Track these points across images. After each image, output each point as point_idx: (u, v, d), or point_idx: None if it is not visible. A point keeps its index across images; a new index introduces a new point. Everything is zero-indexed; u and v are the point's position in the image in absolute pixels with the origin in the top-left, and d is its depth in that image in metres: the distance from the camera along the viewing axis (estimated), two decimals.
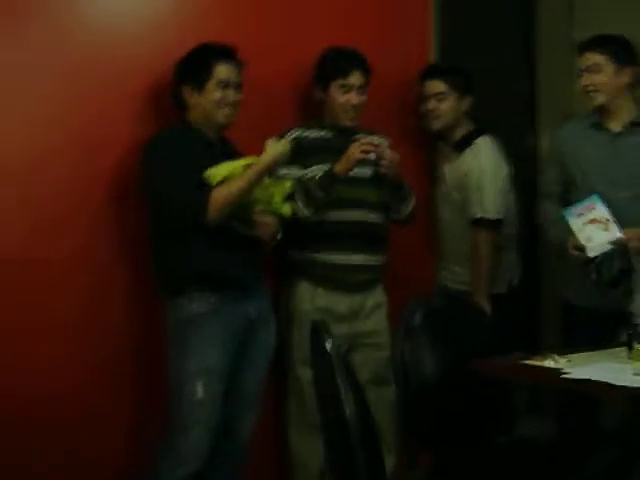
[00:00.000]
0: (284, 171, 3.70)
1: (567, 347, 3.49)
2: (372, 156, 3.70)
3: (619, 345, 3.26)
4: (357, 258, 3.81)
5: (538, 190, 4.16)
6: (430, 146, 4.50)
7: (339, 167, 3.68)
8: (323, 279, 3.80)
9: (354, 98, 3.82)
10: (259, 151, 3.40)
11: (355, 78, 3.82)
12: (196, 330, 3.35)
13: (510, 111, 5.27)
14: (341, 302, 3.82)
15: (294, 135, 3.82)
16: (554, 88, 5.23)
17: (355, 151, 3.67)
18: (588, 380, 2.84)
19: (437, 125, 4.30)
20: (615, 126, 3.85)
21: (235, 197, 3.31)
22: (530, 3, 5.40)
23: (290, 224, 3.61)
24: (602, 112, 3.86)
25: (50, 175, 3.42)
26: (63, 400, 3.43)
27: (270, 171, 3.45)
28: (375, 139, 3.80)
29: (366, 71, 3.86)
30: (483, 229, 4.17)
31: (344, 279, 3.81)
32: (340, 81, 3.82)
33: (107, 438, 3.56)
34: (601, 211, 3.57)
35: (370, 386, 3.76)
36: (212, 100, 3.42)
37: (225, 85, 3.44)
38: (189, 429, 3.34)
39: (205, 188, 3.27)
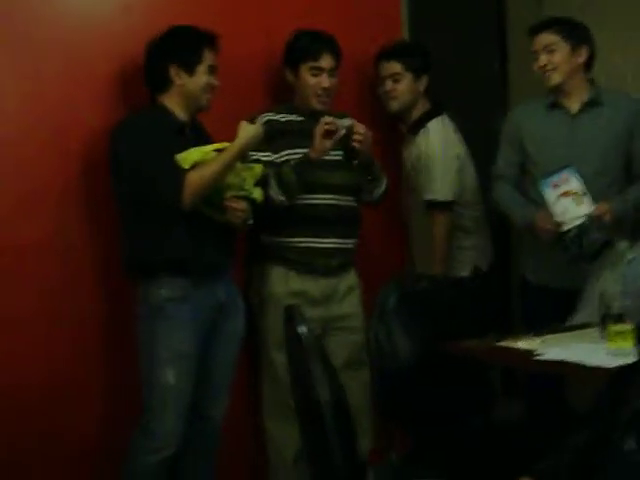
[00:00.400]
0: (255, 155, 3.67)
1: (526, 325, 3.50)
2: (342, 132, 3.66)
3: (588, 326, 3.28)
4: (329, 242, 3.80)
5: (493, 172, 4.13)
6: (395, 129, 4.46)
7: (313, 152, 3.66)
8: (296, 263, 3.79)
9: (325, 81, 3.79)
10: (230, 135, 3.38)
11: (325, 61, 3.80)
12: (166, 316, 3.33)
13: (481, 91, 5.27)
14: (314, 286, 3.80)
15: (265, 119, 3.79)
16: (525, 68, 5.22)
17: (320, 129, 3.63)
18: (562, 361, 2.85)
19: (394, 106, 4.25)
20: (572, 106, 3.86)
21: (209, 181, 3.29)
22: None
23: (262, 208, 3.58)
24: (558, 92, 3.87)
25: (16, 158, 3.39)
26: (35, 388, 3.42)
27: (244, 154, 3.43)
28: (346, 120, 3.77)
29: (336, 54, 3.83)
30: (435, 211, 4.17)
31: (317, 263, 3.80)
32: (310, 64, 3.80)
33: (81, 425, 3.55)
34: (576, 184, 3.59)
35: (345, 369, 3.76)
36: (201, 84, 3.42)
37: (212, 71, 3.44)
38: (161, 414, 3.34)
39: (179, 173, 3.25)
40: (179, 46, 3.42)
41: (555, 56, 3.79)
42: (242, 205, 3.43)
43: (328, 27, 3.88)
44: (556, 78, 3.81)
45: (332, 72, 3.82)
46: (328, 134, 3.64)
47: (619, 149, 3.84)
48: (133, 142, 3.33)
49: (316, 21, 3.93)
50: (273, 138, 3.74)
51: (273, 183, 3.67)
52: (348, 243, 3.87)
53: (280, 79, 3.96)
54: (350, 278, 3.92)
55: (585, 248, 3.56)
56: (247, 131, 3.38)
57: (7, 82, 3.39)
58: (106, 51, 3.57)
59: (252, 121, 3.57)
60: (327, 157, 3.72)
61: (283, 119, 3.83)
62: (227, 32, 3.58)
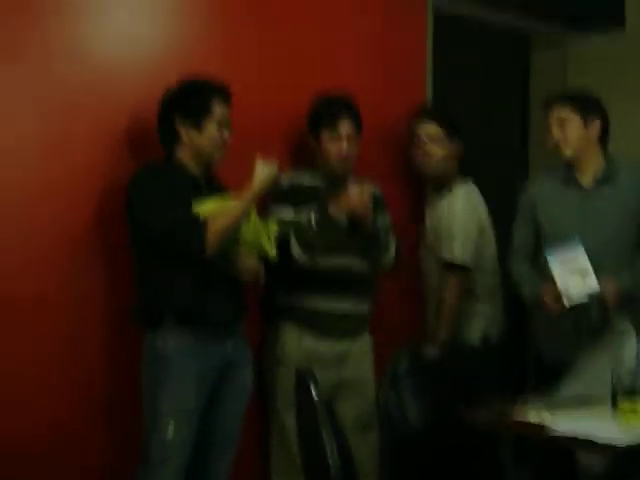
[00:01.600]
0: (276, 210, 3.70)
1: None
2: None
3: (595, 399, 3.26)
4: (343, 306, 3.80)
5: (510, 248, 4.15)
6: (421, 190, 4.50)
7: (335, 210, 3.66)
8: (309, 324, 3.78)
9: (344, 150, 3.81)
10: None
11: (344, 127, 3.81)
12: (171, 368, 3.27)
13: (502, 159, 5.31)
14: (327, 348, 3.79)
15: (288, 177, 3.83)
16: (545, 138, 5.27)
17: (354, 202, 3.64)
18: (573, 437, 2.85)
19: (429, 168, 4.26)
20: (585, 181, 3.85)
21: (230, 227, 3.26)
22: (525, 55, 5.45)
23: (277, 267, 3.56)
24: (572, 166, 3.87)
25: (31, 210, 3.39)
26: (39, 437, 3.39)
27: (260, 194, 3.37)
28: (368, 189, 3.79)
29: (355, 119, 3.84)
30: (450, 273, 4.15)
31: (331, 326, 3.79)
32: (329, 130, 3.82)
33: (83, 472, 3.51)
34: (582, 260, 3.60)
35: (354, 433, 3.73)
36: (211, 139, 3.37)
37: (223, 124, 3.40)
38: (158, 468, 3.27)
39: (200, 221, 3.22)
40: (186, 101, 3.37)
41: (567, 129, 3.79)
42: (254, 262, 3.41)
43: (354, 90, 3.93)
44: (568, 152, 3.81)
45: (351, 139, 3.83)
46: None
47: (632, 223, 3.82)
48: (151, 189, 3.29)
49: (341, 84, 3.98)
50: (294, 196, 3.77)
51: (294, 241, 3.68)
52: (362, 308, 3.87)
53: (301, 142, 4.00)
54: (363, 342, 3.90)
55: (582, 326, 3.58)
56: (263, 171, 3.33)
57: (20, 145, 3.39)
58: (121, 111, 3.58)
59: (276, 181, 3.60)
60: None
61: (305, 181, 3.84)
62: (252, 92, 3.61)
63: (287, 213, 3.75)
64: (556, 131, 3.82)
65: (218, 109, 3.37)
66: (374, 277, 3.95)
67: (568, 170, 3.89)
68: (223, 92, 3.41)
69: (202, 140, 3.37)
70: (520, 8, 4.84)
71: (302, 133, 4.00)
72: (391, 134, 4.35)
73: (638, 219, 3.83)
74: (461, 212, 4.19)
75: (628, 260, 3.80)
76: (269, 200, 3.76)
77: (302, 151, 4.03)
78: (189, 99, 3.37)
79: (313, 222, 3.68)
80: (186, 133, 3.36)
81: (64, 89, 3.46)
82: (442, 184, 4.27)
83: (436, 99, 4.65)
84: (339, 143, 3.81)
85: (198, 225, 3.20)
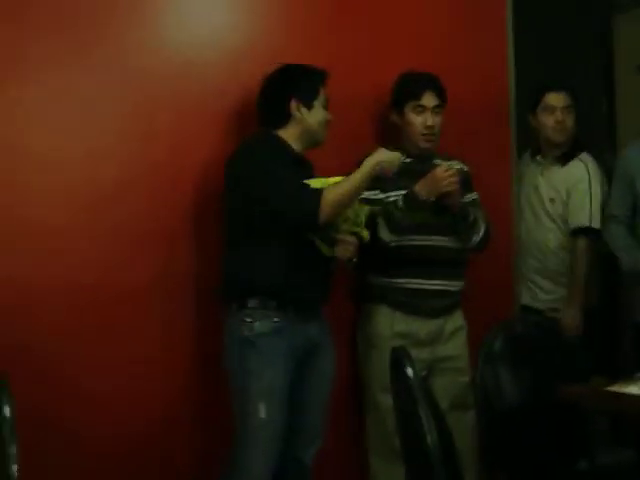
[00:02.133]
0: (365, 193, 3.69)
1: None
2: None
3: None
4: (436, 283, 3.79)
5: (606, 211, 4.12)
6: (510, 164, 4.48)
7: (423, 191, 3.65)
8: (402, 304, 3.78)
9: (429, 119, 3.80)
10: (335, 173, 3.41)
11: (428, 99, 3.81)
12: (258, 350, 3.30)
13: (589, 130, 5.22)
14: (420, 327, 3.79)
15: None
16: (633, 106, 5.18)
17: (442, 182, 3.63)
18: None
19: (562, 137, 4.39)
20: None
21: (345, 199, 3.33)
22: (606, 24, 5.36)
23: (368, 248, 3.59)
24: None
25: (131, 200, 3.48)
26: (137, 430, 3.49)
27: (372, 176, 3.40)
28: (455, 166, 3.80)
29: (440, 92, 3.84)
30: (586, 238, 4.25)
31: (423, 304, 3.79)
32: (413, 102, 3.81)
33: (175, 457, 3.59)
34: None
35: (451, 411, 3.73)
36: (320, 118, 3.49)
37: (326, 105, 3.52)
38: (252, 449, 3.29)
39: (314, 190, 3.29)
40: (299, 81, 3.49)
41: None
42: (352, 240, 3.44)
43: (435, 69, 3.90)
44: None
45: (436, 110, 3.82)
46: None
47: None
48: (265, 160, 3.35)
49: (424, 63, 3.95)
50: (381, 178, 3.75)
51: (382, 223, 3.68)
52: (454, 285, 3.86)
53: (386, 121, 3.99)
54: (456, 319, 3.90)
55: None
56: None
57: (118, 132, 3.48)
58: (217, 93, 3.65)
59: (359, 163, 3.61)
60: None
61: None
62: (335, 73, 3.61)
63: (374, 193, 3.75)
64: None
65: (323, 91, 3.50)
66: (465, 255, 3.93)
67: None
68: (325, 75, 3.52)
69: (313, 119, 3.47)
70: None
71: (386, 114, 3.99)
72: (474, 111, 4.28)
73: None
74: (597, 178, 4.31)
75: None
76: None
77: (388, 132, 4.01)
78: (302, 80, 3.49)
79: (401, 203, 3.67)
80: (299, 112, 3.45)
81: (144, 82, 3.52)
82: (566, 153, 4.37)
83: (518, 73, 4.60)
84: (424, 115, 3.80)
85: (313, 193, 3.26)
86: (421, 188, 3.65)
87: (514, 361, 3.31)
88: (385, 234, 3.69)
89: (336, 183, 3.33)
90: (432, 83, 3.83)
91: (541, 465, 3.27)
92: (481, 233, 3.89)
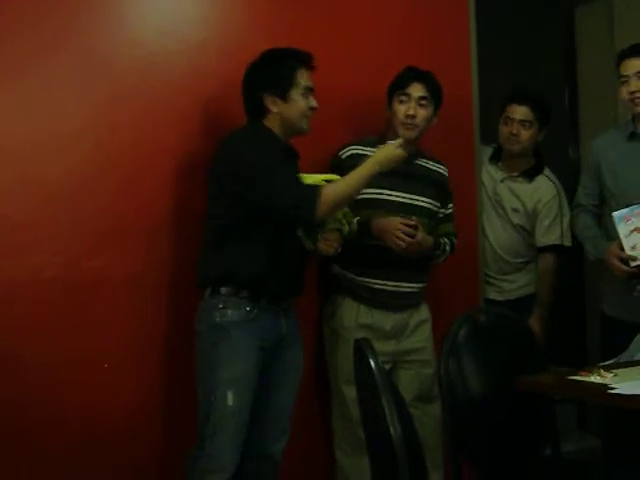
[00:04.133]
0: None
1: (605, 359, 3.46)
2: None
3: None
4: (400, 285, 3.80)
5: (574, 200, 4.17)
6: (475, 167, 4.56)
7: (374, 230, 3.68)
8: (366, 298, 3.79)
9: (411, 108, 3.78)
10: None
11: (413, 89, 3.80)
12: (229, 337, 3.28)
13: (553, 123, 5.26)
14: (385, 320, 3.80)
15: (350, 151, 3.82)
16: (595, 98, 5.22)
17: (393, 235, 3.64)
18: (636, 396, 2.81)
19: (515, 149, 4.48)
20: None
21: (344, 200, 3.30)
22: (570, 16, 5.39)
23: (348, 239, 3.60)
24: (638, 121, 3.83)
25: (101, 194, 3.46)
26: (103, 420, 3.47)
27: (372, 175, 3.34)
28: (438, 170, 3.92)
29: (428, 85, 3.82)
30: (555, 255, 4.47)
31: (386, 300, 3.80)
32: (399, 92, 3.82)
33: (144, 450, 3.57)
34: None
35: (416, 403, 3.77)
36: (298, 109, 3.39)
37: (309, 93, 3.42)
38: (218, 436, 3.26)
39: (313, 187, 3.24)
40: (270, 74, 3.39)
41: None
42: (337, 237, 3.46)
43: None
44: None
45: (422, 102, 3.81)
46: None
47: None
48: (258, 150, 3.29)
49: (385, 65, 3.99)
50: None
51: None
52: (418, 286, 3.87)
53: (364, 115, 4.05)
54: (421, 312, 3.92)
55: None
56: (387, 151, 3.36)
57: (89, 120, 3.45)
58: (199, 79, 3.66)
59: (337, 155, 3.68)
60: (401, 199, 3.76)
61: (369, 154, 3.70)
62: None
63: None
64: (634, 84, 3.76)
65: (302, 77, 3.39)
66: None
67: (633, 126, 3.84)
68: (306, 60, 3.42)
69: (290, 111, 3.39)
70: None
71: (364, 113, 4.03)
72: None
73: None
74: (563, 197, 4.47)
75: None
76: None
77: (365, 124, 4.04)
78: (273, 69, 3.40)
79: (355, 226, 3.64)
80: (273, 104, 3.38)
81: (108, 75, 3.50)
82: (531, 168, 4.51)
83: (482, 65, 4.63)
84: (407, 104, 3.80)
85: (312, 190, 3.22)
86: (375, 225, 3.68)
87: (478, 352, 3.32)
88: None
89: (335, 182, 3.29)
90: (422, 76, 3.83)
91: (507, 454, 3.29)
92: (447, 254, 3.94)
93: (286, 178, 3.25)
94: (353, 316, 3.79)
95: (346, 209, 3.50)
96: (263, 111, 3.41)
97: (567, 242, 4.42)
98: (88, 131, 3.44)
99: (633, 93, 3.78)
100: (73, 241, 3.41)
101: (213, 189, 3.38)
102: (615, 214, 3.64)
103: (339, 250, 3.48)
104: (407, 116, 3.79)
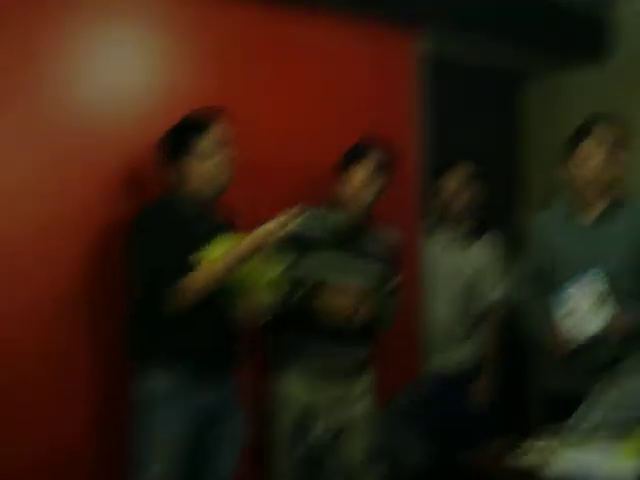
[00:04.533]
0: (282, 257, 3.69)
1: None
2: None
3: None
4: (343, 354, 3.80)
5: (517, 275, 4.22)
6: (418, 235, 4.64)
7: (321, 297, 3.69)
8: (309, 368, 3.77)
9: (367, 180, 3.83)
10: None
11: (370, 161, 3.84)
12: (154, 412, 3.26)
13: (500, 194, 5.34)
14: (329, 389, 3.78)
15: (299, 220, 3.83)
16: (542, 168, 5.31)
17: (340, 310, 3.67)
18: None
19: (457, 207, 4.64)
20: (588, 217, 3.86)
21: (212, 283, 3.23)
22: (515, 91, 5.50)
23: (281, 308, 3.61)
24: (580, 198, 3.88)
25: (31, 254, 3.42)
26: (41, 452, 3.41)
27: (258, 251, 3.29)
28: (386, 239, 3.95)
29: (383, 158, 3.87)
30: (499, 313, 4.60)
31: (330, 369, 3.78)
32: (356, 162, 3.85)
33: None
34: (591, 295, 3.60)
35: (359, 472, 3.75)
36: (206, 168, 3.38)
37: (218, 151, 3.40)
38: None
39: (180, 274, 3.18)
40: (173, 144, 3.41)
41: (596, 162, 3.80)
42: (257, 301, 3.39)
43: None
44: (598, 184, 3.80)
45: (376, 172, 3.85)
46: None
47: (635, 258, 3.80)
48: (144, 234, 3.28)
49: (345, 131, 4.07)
50: (305, 241, 3.77)
51: (286, 290, 3.69)
52: (363, 352, 3.87)
53: (319, 186, 4.04)
54: (365, 381, 3.90)
55: (595, 362, 3.56)
56: (267, 228, 3.27)
57: (28, 182, 3.43)
58: (125, 150, 3.64)
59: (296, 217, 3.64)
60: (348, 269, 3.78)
61: (319, 225, 3.82)
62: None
63: (289, 260, 3.73)
64: (597, 158, 3.79)
65: (212, 132, 3.40)
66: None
67: (570, 205, 3.90)
68: (216, 119, 3.43)
69: (202, 169, 3.39)
70: (510, 44, 4.91)
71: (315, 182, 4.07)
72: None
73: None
74: (503, 255, 4.68)
75: (635, 293, 3.78)
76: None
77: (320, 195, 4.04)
78: (175, 141, 3.41)
79: (300, 294, 3.68)
80: (184, 168, 3.39)
81: (56, 134, 3.49)
82: (476, 229, 4.67)
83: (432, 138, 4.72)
84: (363, 173, 3.83)
85: (174, 280, 3.18)
86: (321, 294, 3.69)
87: (420, 422, 3.33)
88: (285, 302, 3.69)
89: (211, 262, 3.23)
90: (376, 148, 3.88)
91: None
92: (391, 324, 3.95)
93: (160, 262, 3.22)
94: (296, 385, 3.77)
95: (277, 272, 3.44)
96: (176, 177, 3.41)
97: (509, 299, 4.49)
98: (31, 188, 3.43)
99: (590, 172, 3.81)
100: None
101: (127, 261, 3.39)
102: (558, 291, 3.67)
103: (266, 316, 3.46)
104: (361, 187, 3.83)
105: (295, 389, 3.78)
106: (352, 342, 3.81)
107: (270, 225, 3.25)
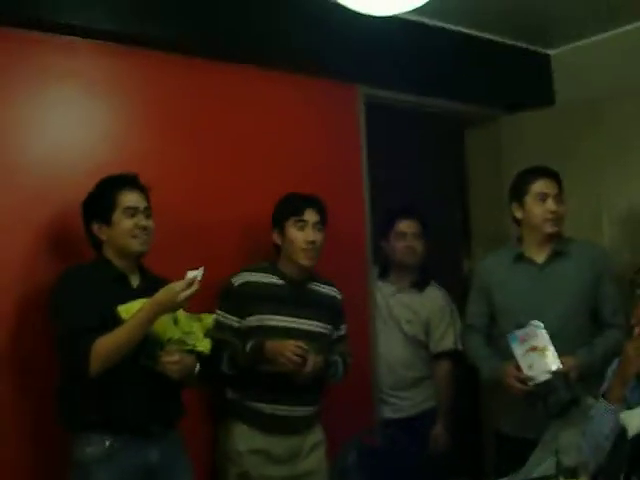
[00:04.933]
0: (222, 318, 3.71)
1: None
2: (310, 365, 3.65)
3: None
4: (293, 409, 3.76)
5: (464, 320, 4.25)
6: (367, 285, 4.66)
7: (269, 353, 3.63)
8: (258, 423, 3.74)
9: (310, 234, 3.79)
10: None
11: (309, 214, 3.82)
12: (90, 475, 3.18)
13: (445, 240, 5.39)
14: (279, 444, 3.74)
15: (242, 279, 3.81)
16: (485, 216, 5.37)
17: (284, 358, 3.60)
18: None
19: (412, 260, 4.70)
20: (539, 256, 3.92)
21: (121, 348, 3.16)
22: (458, 136, 5.57)
23: (224, 366, 3.65)
24: (527, 242, 3.93)
25: None
26: None
27: (155, 318, 3.20)
28: (330, 294, 3.95)
29: (321, 211, 3.86)
30: (450, 360, 4.61)
31: (279, 425, 3.74)
32: (294, 218, 3.81)
33: None
34: (542, 339, 3.60)
35: None
36: (123, 230, 3.33)
37: (133, 213, 3.35)
38: None
39: (88, 345, 3.12)
40: (92, 202, 3.39)
41: (562, 205, 3.89)
42: (176, 358, 3.27)
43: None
44: (559, 227, 3.89)
45: (317, 226, 3.83)
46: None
47: (585, 297, 3.86)
48: (61, 298, 3.24)
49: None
50: (244, 300, 3.76)
51: (225, 358, 3.70)
52: (311, 410, 3.84)
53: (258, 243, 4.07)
54: (316, 434, 3.87)
55: (551, 405, 3.56)
56: (166, 293, 3.19)
57: None
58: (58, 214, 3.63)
59: (230, 281, 3.67)
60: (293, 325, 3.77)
61: (261, 280, 3.80)
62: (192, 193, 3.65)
63: (231, 319, 3.76)
64: (553, 204, 3.86)
65: (124, 198, 3.35)
66: (324, 380, 3.90)
67: (521, 247, 3.95)
68: (126, 181, 3.40)
69: (115, 234, 3.34)
70: (452, 94, 4.97)
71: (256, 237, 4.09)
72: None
73: (591, 292, 3.87)
74: (452, 304, 4.70)
75: (585, 333, 3.84)
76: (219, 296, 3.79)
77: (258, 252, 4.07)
78: (92, 198, 3.39)
79: (248, 350, 3.67)
80: (100, 232, 3.36)
81: None
82: (420, 279, 4.71)
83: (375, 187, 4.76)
84: (306, 230, 3.81)
85: (85, 346, 3.12)
86: (268, 348, 3.64)
87: (368, 475, 3.33)
88: (226, 368, 3.70)
89: (112, 332, 3.16)
90: (313, 201, 3.86)
91: None
92: (340, 374, 3.93)
93: (70, 330, 3.16)
94: (245, 441, 3.73)
95: (198, 326, 3.38)
96: (98, 241, 3.39)
97: (461, 346, 4.48)
98: None
99: (553, 213, 3.87)
100: None
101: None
102: (510, 335, 3.67)
103: (195, 372, 3.38)
104: (308, 242, 3.80)
105: (243, 444, 3.74)
106: (300, 402, 3.78)
107: (176, 285, 3.19)
